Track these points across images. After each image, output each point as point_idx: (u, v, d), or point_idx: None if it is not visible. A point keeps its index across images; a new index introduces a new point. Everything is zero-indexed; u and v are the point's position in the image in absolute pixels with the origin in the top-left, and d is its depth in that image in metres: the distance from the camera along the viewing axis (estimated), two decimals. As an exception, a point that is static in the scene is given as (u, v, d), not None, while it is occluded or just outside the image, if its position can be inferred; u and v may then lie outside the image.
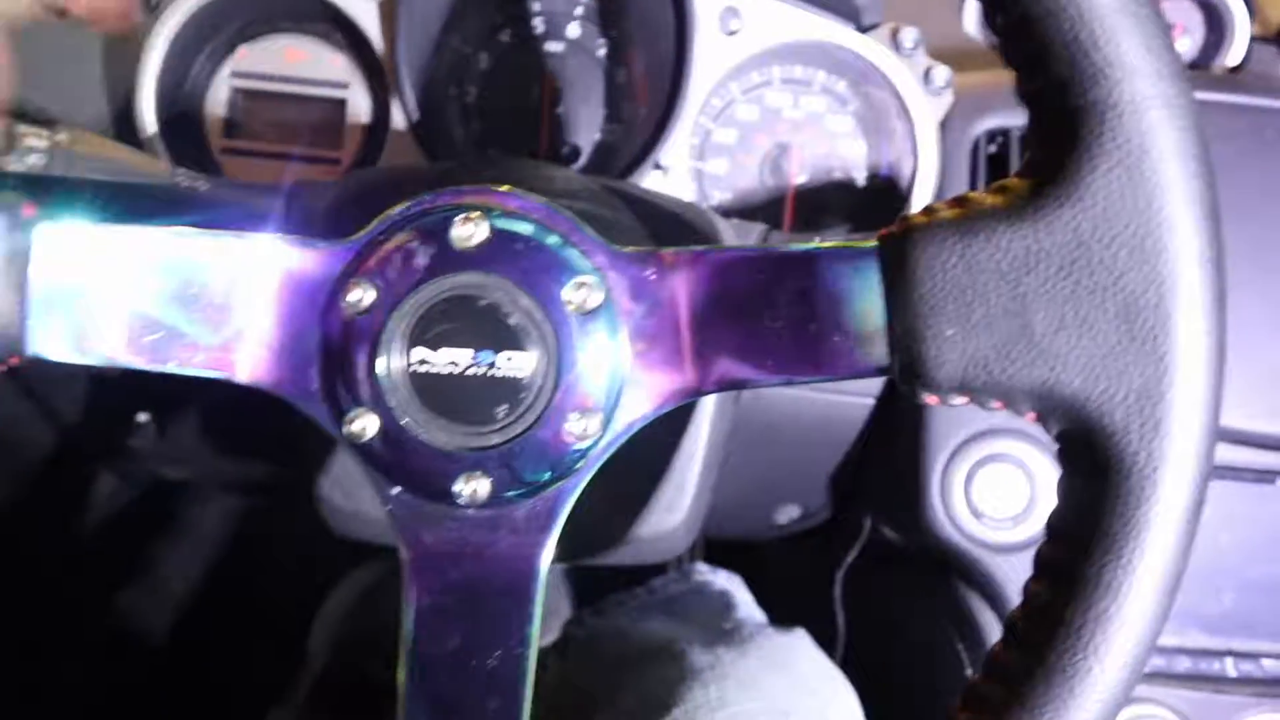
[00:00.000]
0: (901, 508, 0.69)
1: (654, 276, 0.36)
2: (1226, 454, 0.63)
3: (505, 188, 0.37)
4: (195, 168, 0.58)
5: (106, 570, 1.04)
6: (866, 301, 0.33)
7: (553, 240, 0.36)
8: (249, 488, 0.99)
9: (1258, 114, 0.67)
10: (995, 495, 0.64)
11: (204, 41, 0.65)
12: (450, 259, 0.35)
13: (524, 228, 0.36)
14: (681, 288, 0.36)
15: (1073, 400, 0.30)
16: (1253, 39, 0.80)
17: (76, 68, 0.65)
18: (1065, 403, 0.30)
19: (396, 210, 0.37)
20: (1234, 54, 0.79)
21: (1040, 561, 0.32)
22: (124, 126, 0.63)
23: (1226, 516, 0.65)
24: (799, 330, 0.34)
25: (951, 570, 0.69)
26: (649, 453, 0.56)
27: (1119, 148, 0.28)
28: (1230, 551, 0.65)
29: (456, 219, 0.35)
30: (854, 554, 0.77)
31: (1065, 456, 0.32)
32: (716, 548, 0.87)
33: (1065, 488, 0.32)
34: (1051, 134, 0.29)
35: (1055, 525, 0.32)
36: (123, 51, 0.63)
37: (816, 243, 0.34)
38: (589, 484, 0.38)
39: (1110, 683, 0.30)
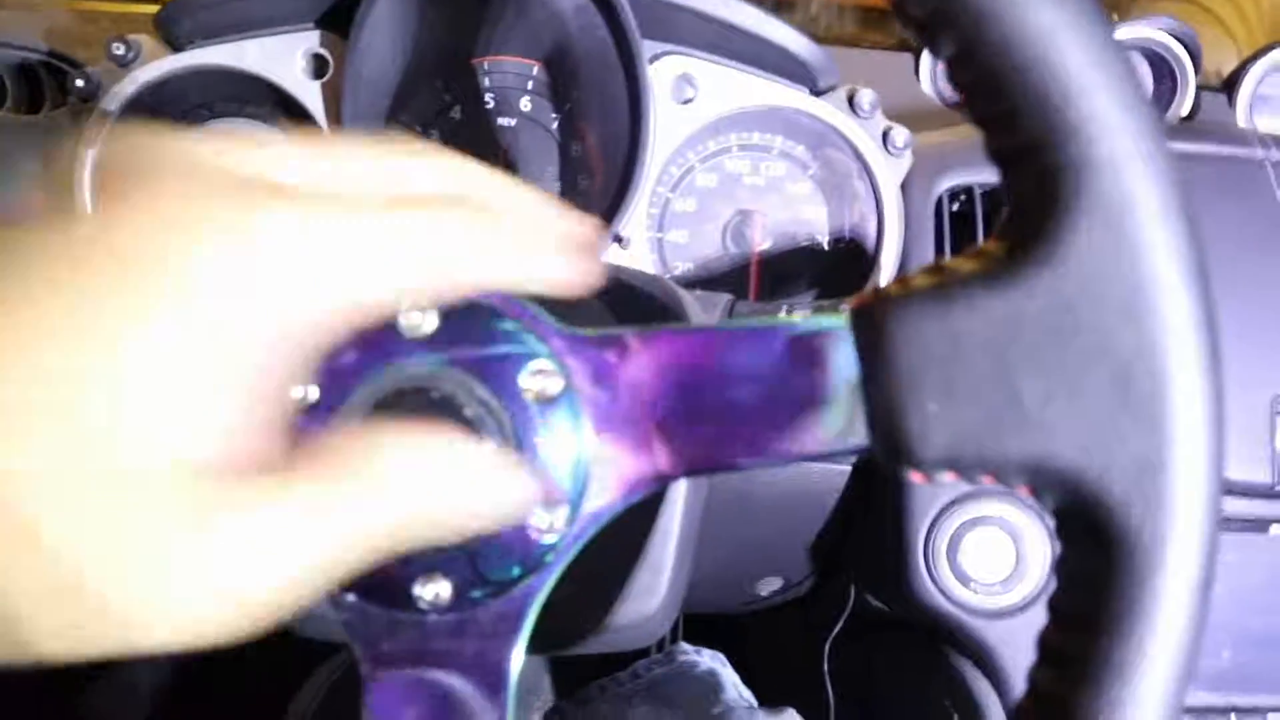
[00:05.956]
0: (886, 576, 0.66)
1: (615, 359, 0.34)
2: (1215, 504, 0.62)
3: None
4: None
5: (69, 676, 1.00)
6: (841, 378, 0.32)
7: (507, 325, 0.34)
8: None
9: (1216, 163, 0.67)
10: (982, 560, 0.62)
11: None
12: (398, 349, 0.33)
13: (474, 312, 0.34)
14: (645, 370, 0.34)
15: (1068, 473, 0.28)
16: (1199, 88, 0.81)
17: (13, 158, 0.63)
18: (1060, 476, 0.28)
19: None
20: (1185, 104, 0.80)
21: (1043, 646, 0.30)
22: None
23: (1220, 568, 0.63)
24: (771, 410, 0.32)
25: (942, 637, 0.66)
26: (621, 534, 0.53)
27: (1099, 207, 0.27)
28: (1226, 604, 0.63)
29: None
30: (840, 624, 0.75)
31: (1063, 532, 0.30)
32: (696, 621, 0.84)
33: (1064, 566, 0.30)
34: (1027, 195, 0.28)
35: (1057, 607, 0.30)
36: (60, 140, 0.62)
37: (783, 317, 0.32)
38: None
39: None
